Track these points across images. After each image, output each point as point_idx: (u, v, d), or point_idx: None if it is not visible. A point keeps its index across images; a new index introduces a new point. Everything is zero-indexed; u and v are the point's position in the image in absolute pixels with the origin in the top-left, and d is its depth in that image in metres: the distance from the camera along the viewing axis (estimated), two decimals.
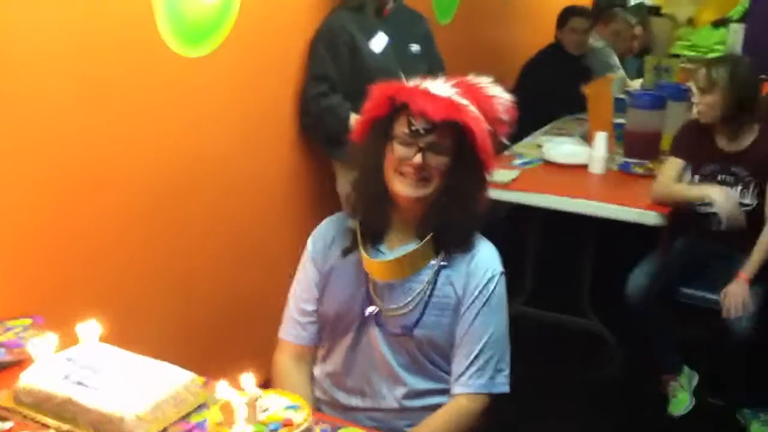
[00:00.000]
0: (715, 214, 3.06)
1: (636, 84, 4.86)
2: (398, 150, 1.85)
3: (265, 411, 1.55)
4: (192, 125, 2.67)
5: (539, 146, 3.90)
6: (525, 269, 3.87)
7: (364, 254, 1.92)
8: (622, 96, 4.19)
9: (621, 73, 4.94)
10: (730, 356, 3.02)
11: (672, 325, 3.22)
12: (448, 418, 1.87)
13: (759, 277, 2.96)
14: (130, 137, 2.44)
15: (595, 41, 5.08)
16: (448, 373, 1.92)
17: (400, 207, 1.90)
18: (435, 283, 1.90)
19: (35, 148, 2.15)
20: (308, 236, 2.04)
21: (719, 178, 3.12)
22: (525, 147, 4.00)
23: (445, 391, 1.93)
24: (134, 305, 2.46)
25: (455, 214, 1.87)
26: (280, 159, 3.14)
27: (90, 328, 1.79)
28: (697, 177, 3.18)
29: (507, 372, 1.92)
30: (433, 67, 3.42)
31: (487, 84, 1.89)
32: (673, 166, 3.21)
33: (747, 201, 3.06)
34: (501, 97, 1.89)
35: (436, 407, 1.92)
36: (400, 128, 1.85)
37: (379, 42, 3.21)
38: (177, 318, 2.67)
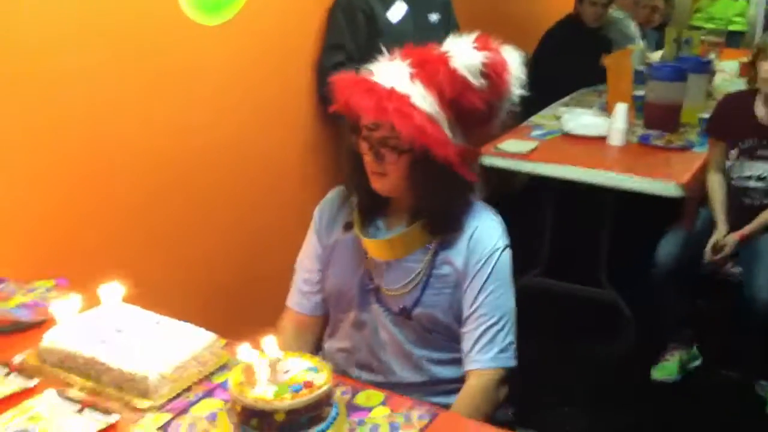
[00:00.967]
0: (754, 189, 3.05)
1: (656, 56, 4.81)
2: (360, 146, 1.84)
3: (286, 372, 1.56)
4: (209, 94, 2.67)
5: (558, 118, 3.89)
6: (541, 240, 3.87)
7: (358, 233, 1.92)
8: (641, 68, 4.17)
9: (641, 44, 4.89)
10: (749, 329, 3.01)
11: (691, 297, 3.21)
12: (463, 400, 1.85)
13: None
14: (149, 106, 2.45)
15: (615, 11, 5.03)
16: (458, 342, 1.92)
17: None
18: (433, 263, 1.89)
19: (59, 118, 2.17)
20: None
21: (758, 153, 3.06)
22: (543, 118, 3.99)
23: (455, 360, 1.93)
24: (156, 268, 2.48)
25: (434, 201, 1.84)
26: (297, 128, 3.14)
27: (113, 290, 1.81)
28: (734, 152, 3.13)
29: (514, 345, 1.90)
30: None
31: (454, 52, 1.78)
32: (715, 150, 3.18)
33: None
34: (468, 64, 1.76)
35: (449, 380, 1.93)
36: (362, 122, 1.82)
37: (397, 11, 3.20)
38: (198, 280, 2.70)
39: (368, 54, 3.12)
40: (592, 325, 3.68)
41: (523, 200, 3.87)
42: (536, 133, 3.69)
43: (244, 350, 1.52)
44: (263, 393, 1.49)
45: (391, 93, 1.72)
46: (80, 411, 1.54)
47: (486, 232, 1.89)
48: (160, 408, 1.57)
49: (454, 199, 1.87)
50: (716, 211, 3.10)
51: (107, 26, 2.27)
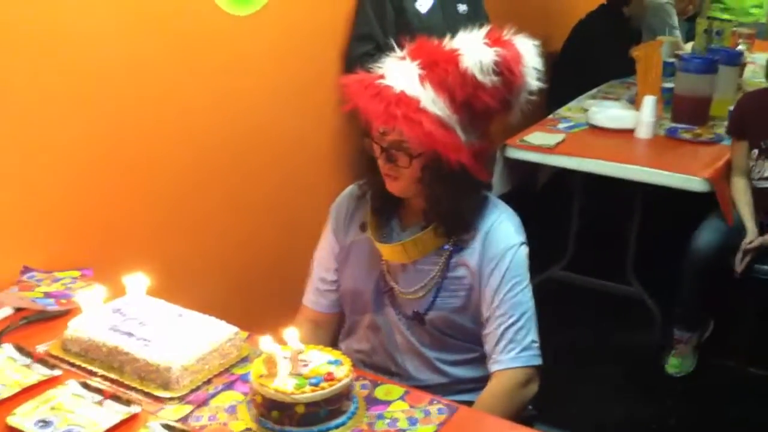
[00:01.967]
0: None
1: (687, 48, 4.76)
2: (373, 148, 1.81)
3: (307, 365, 1.56)
4: (240, 83, 2.68)
5: (585, 110, 3.85)
6: (566, 234, 3.85)
7: (371, 236, 1.90)
8: (671, 60, 4.11)
9: (677, 34, 4.84)
10: None
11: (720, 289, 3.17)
12: (486, 400, 1.82)
13: None
14: (178, 95, 2.46)
15: None
16: (475, 343, 1.90)
17: None
18: (447, 266, 1.87)
19: (90, 108, 2.18)
20: None
21: None
22: (570, 111, 3.95)
23: (473, 360, 1.92)
24: (179, 260, 2.49)
25: (447, 204, 1.80)
26: (327, 116, 3.13)
27: (137, 280, 1.82)
28: (755, 152, 3.09)
29: (538, 344, 1.86)
30: (480, 27, 3.38)
31: (464, 50, 1.72)
32: (738, 152, 3.14)
33: None
34: (479, 62, 1.70)
35: (468, 380, 1.92)
36: (373, 126, 1.79)
37: (425, 2, 3.18)
38: (221, 273, 2.71)
39: (398, 45, 3.14)
40: (617, 320, 3.65)
41: (548, 193, 3.84)
42: (563, 125, 3.66)
43: (266, 342, 1.53)
44: (284, 385, 1.49)
45: (400, 98, 1.68)
46: (102, 402, 1.55)
47: (500, 230, 1.85)
48: (181, 399, 1.58)
49: (468, 200, 1.84)
50: (744, 216, 3.06)
51: (146, 17, 2.29)
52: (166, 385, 1.59)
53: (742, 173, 3.12)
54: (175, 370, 1.59)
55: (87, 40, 2.15)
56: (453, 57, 1.72)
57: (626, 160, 3.23)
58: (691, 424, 3.03)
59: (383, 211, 1.92)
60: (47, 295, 1.97)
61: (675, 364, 3.25)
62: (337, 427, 1.52)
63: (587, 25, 4.88)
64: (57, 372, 1.64)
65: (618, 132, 3.55)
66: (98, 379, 1.63)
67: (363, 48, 3.12)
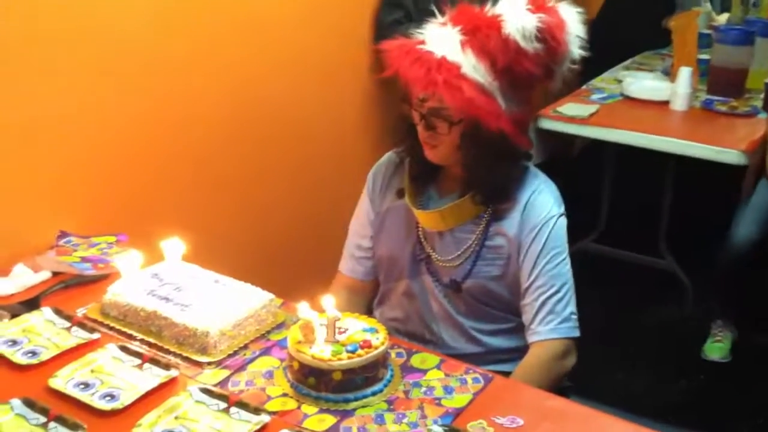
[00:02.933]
0: None
1: (722, 19, 4.67)
2: (412, 115, 1.80)
3: (343, 332, 1.57)
4: (269, 47, 2.68)
5: (619, 81, 3.80)
6: (599, 206, 3.82)
7: (409, 202, 1.89)
8: (707, 31, 4.05)
9: (708, 6, 4.75)
10: None
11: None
12: (524, 371, 1.81)
13: None
14: (213, 69, 2.47)
15: None
16: (511, 313, 1.90)
17: None
18: (485, 235, 1.85)
19: (122, 74, 2.19)
20: None
21: None
22: (604, 81, 3.90)
23: (509, 330, 1.92)
24: (213, 227, 2.51)
25: (486, 173, 1.79)
26: (356, 81, 3.13)
27: (174, 246, 1.83)
28: None
29: (576, 316, 1.85)
30: None
31: (507, 16, 1.69)
32: None
33: None
34: (522, 28, 1.68)
35: (504, 350, 1.92)
36: (413, 92, 1.77)
37: None
38: (254, 240, 2.72)
39: (427, 13, 3.12)
40: (649, 294, 3.63)
41: (581, 164, 3.81)
42: (596, 96, 3.61)
43: (303, 309, 1.53)
44: (321, 352, 1.50)
45: (441, 63, 1.66)
46: (141, 365, 1.57)
47: (540, 200, 1.83)
48: (218, 364, 1.60)
49: (507, 169, 1.82)
50: None
51: None
52: (203, 350, 1.61)
53: None
54: (213, 335, 1.60)
55: (115, 9, 2.15)
56: (495, 23, 1.69)
57: (661, 131, 3.18)
58: (724, 400, 3.01)
59: (421, 178, 1.91)
60: (84, 259, 1.99)
61: (714, 350, 3.20)
62: (373, 394, 1.52)
63: None
64: (96, 335, 1.66)
65: (653, 103, 3.50)
66: (137, 342, 1.65)
67: (393, 15, 3.10)
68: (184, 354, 1.61)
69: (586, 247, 3.74)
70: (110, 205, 2.21)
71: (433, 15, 3.12)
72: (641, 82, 3.68)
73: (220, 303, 1.68)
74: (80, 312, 1.77)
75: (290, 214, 2.87)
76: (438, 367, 1.63)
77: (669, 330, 3.41)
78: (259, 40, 2.63)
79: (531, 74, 1.72)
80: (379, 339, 1.56)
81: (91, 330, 1.68)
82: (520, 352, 1.86)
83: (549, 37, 1.70)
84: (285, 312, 1.78)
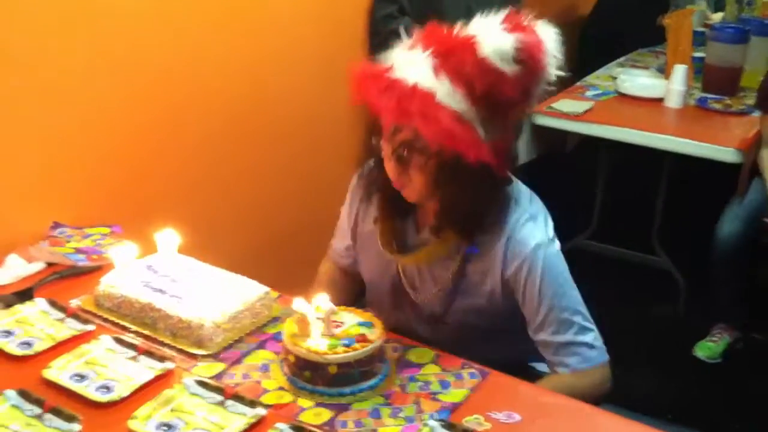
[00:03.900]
0: None
1: (717, 17, 4.68)
2: (383, 148, 1.65)
3: (339, 326, 1.56)
4: (267, 44, 2.66)
5: (613, 78, 3.81)
6: (592, 203, 3.82)
7: (381, 245, 1.77)
8: (701, 29, 4.05)
9: (703, 4, 4.76)
10: None
11: (748, 273, 3.14)
12: (557, 386, 1.68)
13: None
14: (209, 57, 2.45)
15: None
16: (502, 325, 1.77)
17: None
18: (464, 270, 1.73)
19: (117, 64, 2.17)
20: None
21: None
22: (598, 78, 3.90)
23: (501, 349, 1.77)
24: (208, 220, 2.50)
25: (462, 207, 1.65)
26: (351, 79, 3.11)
27: (168, 238, 1.82)
28: None
29: (597, 337, 1.74)
30: None
31: (482, 37, 1.54)
32: (766, 124, 3.03)
33: None
34: (499, 50, 1.53)
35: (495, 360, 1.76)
36: (384, 123, 1.62)
37: None
38: (250, 233, 2.71)
39: (422, 8, 3.11)
40: (643, 291, 3.63)
41: (575, 160, 3.81)
42: (591, 93, 3.62)
43: (298, 302, 1.53)
44: (316, 345, 1.49)
45: (414, 91, 1.51)
46: (135, 357, 1.56)
47: (524, 232, 1.68)
48: (214, 357, 1.59)
49: (486, 201, 1.67)
50: None
51: None
52: (198, 343, 1.60)
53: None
54: (208, 327, 1.60)
55: (114, 4, 2.13)
56: (470, 44, 1.53)
57: (655, 129, 3.19)
58: (715, 399, 3.01)
59: (393, 217, 1.79)
60: (78, 250, 1.98)
61: (704, 349, 3.21)
62: (370, 388, 1.52)
63: None
64: (90, 327, 1.65)
65: (647, 101, 3.51)
66: (131, 334, 1.64)
67: (386, 9, 3.08)
68: (179, 346, 1.61)
69: (579, 244, 3.75)
70: (104, 196, 2.19)
71: (427, 9, 3.12)
72: (636, 80, 3.69)
73: (215, 295, 1.68)
74: (74, 303, 1.75)
75: (287, 207, 2.86)
76: (434, 361, 1.63)
77: (663, 328, 3.41)
78: (254, 33, 2.61)
79: (510, 98, 1.57)
80: (375, 333, 1.55)
81: (86, 321, 1.67)
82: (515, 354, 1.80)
83: (528, 58, 1.56)
84: (280, 305, 1.78)
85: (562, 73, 1.64)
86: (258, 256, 2.60)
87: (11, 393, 1.42)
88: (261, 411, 1.42)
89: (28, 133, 1.98)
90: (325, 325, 1.53)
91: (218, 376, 1.54)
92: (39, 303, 1.73)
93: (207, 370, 1.55)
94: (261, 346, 1.65)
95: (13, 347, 1.57)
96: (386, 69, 1.57)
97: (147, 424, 1.38)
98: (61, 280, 1.86)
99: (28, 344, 1.59)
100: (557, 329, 1.70)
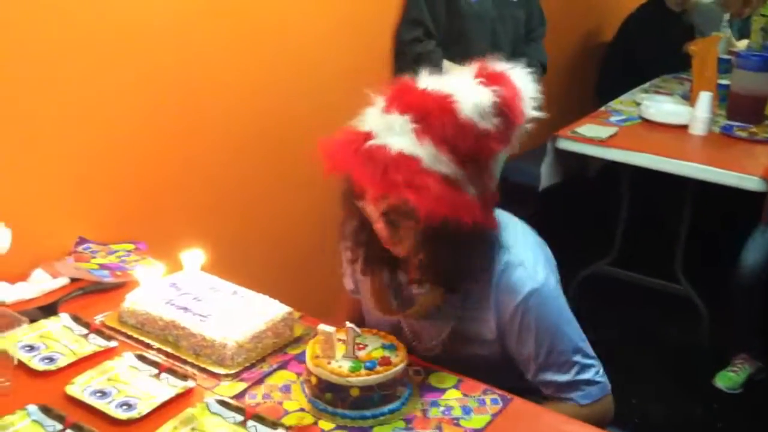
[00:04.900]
0: None
1: (742, 45, 4.67)
2: (367, 211, 1.60)
3: (362, 349, 1.56)
4: (293, 63, 2.68)
5: (637, 104, 3.80)
6: (614, 228, 3.80)
7: (373, 299, 1.77)
8: (726, 56, 4.04)
9: (727, 32, 4.75)
10: None
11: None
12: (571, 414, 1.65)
13: None
14: (233, 74, 2.46)
15: None
16: (507, 371, 1.73)
17: None
18: (460, 320, 1.69)
19: (143, 82, 2.19)
20: None
21: None
22: (622, 104, 3.90)
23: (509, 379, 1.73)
24: (231, 238, 2.51)
25: (450, 264, 1.61)
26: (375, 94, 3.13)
27: (194, 256, 1.82)
28: None
29: (599, 371, 1.72)
30: (531, 15, 3.35)
31: (459, 95, 1.50)
32: None
33: None
34: (477, 107, 1.50)
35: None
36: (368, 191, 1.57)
37: None
38: (273, 253, 2.71)
39: (448, 30, 3.13)
40: (664, 319, 3.61)
41: (597, 186, 3.80)
42: (615, 118, 3.61)
43: (323, 324, 1.52)
44: (339, 367, 1.49)
45: (398, 160, 1.47)
46: (158, 375, 1.56)
47: (512, 280, 1.63)
48: (235, 376, 1.59)
49: (471, 253, 1.62)
50: None
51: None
52: (220, 362, 1.60)
53: None
54: (231, 346, 1.59)
55: (141, 14, 2.15)
56: (448, 105, 1.49)
57: (680, 155, 3.18)
58: (735, 430, 2.98)
59: (382, 270, 1.75)
60: (102, 266, 1.98)
61: (724, 379, 3.18)
62: (390, 412, 1.51)
63: (638, 18, 4.82)
64: (113, 343, 1.66)
65: (671, 127, 3.50)
66: (154, 352, 1.64)
67: (412, 33, 3.11)
68: (201, 365, 1.60)
69: (600, 269, 3.72)
70: (129, 213, 2.20)
71: (453, 32, 3.13)
72: (660, 106, 3.68)
73: (238, 314, 1.67)
74: (98, 319, 1.76)
75: (312, 227, 2.86)
76: (456, 386, 1.62)
77: (684, 356, 3.38)
78: (281, 54, 2.63)
79: (495, 152, 1.55)
80: (398, 356, 1.55)
81: (109, 338, 1.68)
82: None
83: (507, 110, 1.53)
84: (303, 325, 1.78)
85: (540, 114, 1.61)
86: (281, 275, 2.61)
87: (33, 408, 1.42)
88: None
89: (56, 149, 2.00)
90: (348, 347, 1.53)
91: (239, 396, 1.53)
92: (63, 318, 1.73)
93: (228, 389, 1.55)
94: (283, 366, 1.64)
95: (36, 362, 1.58)
96: (365, 136, 1.53)
97: None
98: (85, 295, 1.87)
99: (51, 359, 1.59)
100: (558, 370, 1.68)
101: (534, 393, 1.75)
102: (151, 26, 2.18)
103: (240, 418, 1.45)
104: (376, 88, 1.60)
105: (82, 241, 2.08)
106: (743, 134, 3.43)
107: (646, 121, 3.58)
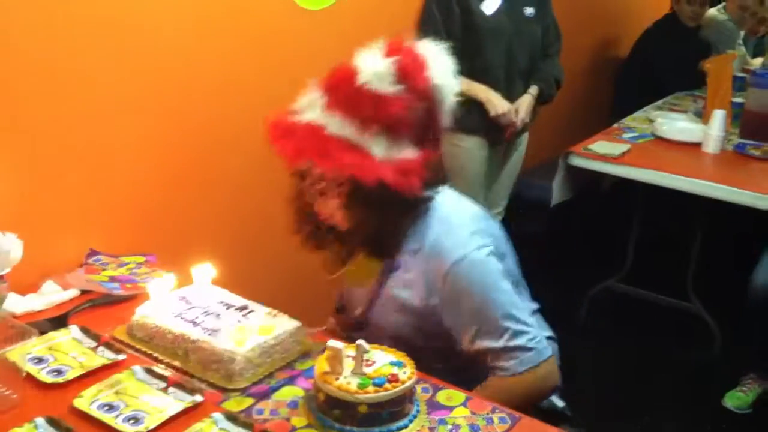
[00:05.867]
0: None
1: (756, 63, 4.66)
2: (303, 188, 1.77)
3: (371, 365, 1.55)
4: (308, 77, 2.67)
5: (650, 121, 3.79)
6: (626, 245, 3.78)
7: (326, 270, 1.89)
8: (741, 74, 4.03)
9: (742, 50, 4.74)
10: None
11: None
12: (495, 392, 1.73)
13: None
14: (249, 88, 2.47)
15: (719, 14, 4.90)
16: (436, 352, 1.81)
17: None
18: (382, 287, 1.82)
19: (154, 97, 2.20)
20: None
21: None
22: (635, 121, 3.89)
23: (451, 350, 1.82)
24: (240, 252, 2.50)
25: (373, 229, 1.74)
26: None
27: (204, 270, 1.82)
28: None
29: (538, 336, 1.76)
30: (547, 31, 3.35)
31: (361, 65, 1.65)
32: None
33: None
34: (376, 74, 1.63)
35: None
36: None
37: (491, 4, 3.16)
38: (285, 267, 2.70)
39: (464, 45, 3.13)
40: (675, 336, 3.59)
41: (609, 202, 3.79)
42: (628, 135, 3.60)
43: (332, 339, 1.52)
44: (347, 384, 1.48)
45: (307, 129, 1.65)
46: (166, 389, 1.56)
47: (446, 244, 1.74)
48: (243, 391, 1.58)
49: (397, 220, 1.75)
50: None
51: (219, 14, 2.33)
52: (229, 376, 1.59)
53: None
54: (239, 361, 1.59)
55: (158, 35, 2.17)
56: (350, 75, 1.65)
57: (693, 173, 3.16)
58: None
59: (325, 244, 1.88)
60: (113, 279, 1.99)
61: (733, 399, 3.15)
62: (398, 429, 1.50)
63: (653, 35, 4.81)
64: (122, 357, 1.66)
65: (685, 145, 3.49)
66: (162, 365, 1.64)
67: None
68: (210, 379, 1.60)
69: (611, 286, 3.71)
70: (140, 226, 2.21)
71: (471, 46, 3.11)
72: (673, 123, 3.67)
73: (247, 329, 1.67)
74: (107, 332, 1.76)
75: None
76: (464, 404, 1.61)
77: (694, 375, 3.36)
78: (299, 68, 2.62)
79: (400, 117, 1.64)
80: (407, 373, 1.54)
81: (117, 351, 1.68)
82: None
83: (407, 77, 1.64)
84: (312, 340, 1.77)
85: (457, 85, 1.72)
86: (291, 289, 2.60)
87: (41, 421, 1.42)
88: None
89: (68, 161, 2.01)
90: (356, 362, 1.52)
91: (247, 411, 1.53)
92: (72, 330, 1.74)
93: (236, 404, 1.54)
94: (291, 381, 1.64)
95: (44, 375, 1.58)
96: (289, 114, 1.70)
97: None
98: (95, 308, 1.87)
99: (60, 372, 1.59)
100: (490, 337, 1.74)
101: (462, 373, 1.78)
102: (167, 42, 2.19)
103: None
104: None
105: (93, 253, 2.09)
106: (757, 153, 3.41)
107: (659, 139, 3.57)
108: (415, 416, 1.54)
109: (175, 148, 2.28)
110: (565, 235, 3.93)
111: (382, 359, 1.58)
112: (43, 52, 1.90)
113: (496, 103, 3.16)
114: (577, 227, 3.91)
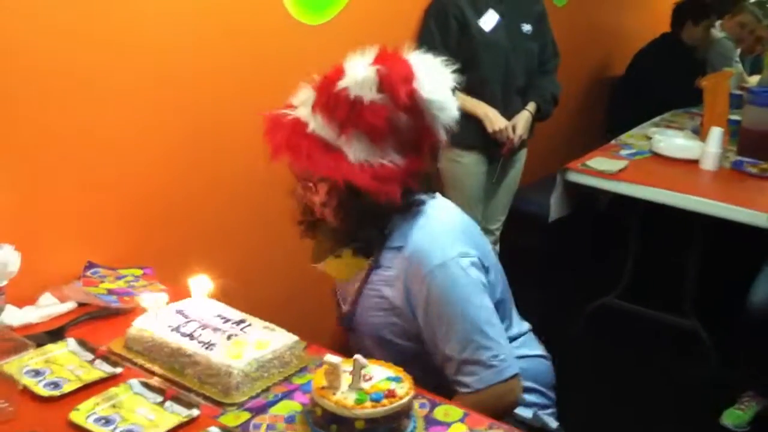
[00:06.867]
0: None
1: (753, 80, 4.68)
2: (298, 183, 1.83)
3: (368, 380, 1.55)
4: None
5: (648, 138, 3.81)
6: (624, 261, 3.79)
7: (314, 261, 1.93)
8: (738, 92, 4.05)
9: (739, 67, 4.77)
10: None
11: None
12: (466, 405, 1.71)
13: None
14: (249, 103, 2.47)
15: (717, 32, 4.93)
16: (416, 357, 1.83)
17: None
18: (365, 284, 1.86)
19: (154, 109, 2.20)
20: None
21: None
22: (633, 137, 3.91)
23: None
24: (238, 266, 2.50)
25: (352, 227, 1.80)
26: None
27: (201, 283, 1.82)
28: None
29: (502, 355, 1.76)
30: (545, 47, 3.36)
31: (348, 71, 1.69)
32: None
33: None
34: (359, 81, 1.67)
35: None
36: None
37: (489, 20, 3.18)
38: (283, 281, 2.71)
39: (461, 60, 3.12)
40: (672, 354, 3.59)
41: (607, 218, 3.80)
42: (625, 152, 3.62)
43: (329, 355, 1.52)
44: (345, 399, 1.48)
45: (291, 125, 1.72)
46: (162, 403, 1.55)
47: (426, 248, 1.77)
48: (240, 406, 1.58)
49: (375, 222, 1.80)
50: None
51: (221, 27, 2.34)
52: (225, 391, 1.59)
53: None
54: (236, 375, 1.58)
55: (162, 47, 2.18)
56: (335, 78, 1.69)
57: (690, 190, 3.17)
58: None
59: (314, 235, 1.97)
60: (110, 292, 1.98)
61: (731, 417, 3.14)
62: None
63: (649, 53, 4.85)
64: (119, 370, 1.65)
65: (682, 162, 3.50)
66: (159, 379, 1.63)
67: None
68: (206, 393, 1.59)
69: (608, 302, 3.71)
70: (138, 238, 2.21)
71: (468, 62, 3.13)
72: (671, 140, 3.68)
73: (244, 343, 1.67)
74: (104, 345, 1.75)
75: None
76: (462, 420, 1.60)
77: (690, 392, 3.35)
78: (293, 82, 2.64)
79: (377, 125, 1.67)
80: (404, 389, 1.53)
81: (114, 364, 1.67)
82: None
83: (390, 86, 1.66)
84: (309, 355, 1.77)
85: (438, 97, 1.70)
86: (289, 303, 2.60)
87: None
88: None
89: (66, 173, 2.01)
90: (354, 377, 1.52)
91: (243, 426, 1.52)
92: (69, 343, 1.73)
93: (233, 419, 1.54)
94: (288, 396, 1.63)
95: (41, 387, 1.57)
96: (286, 108, 1.77)
97: None
98: (92, 320, 1.86)
99: (56, 385, 1.59)
100: (453, 346, 1.76)
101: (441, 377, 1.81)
102: (168, 53, 2.20)
103: None
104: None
105: (90, 265, 2.09)
106: (754, 170, 3.42)
107: (657, 155, 3.59)
108: None
109: (173, 162, 2.28)
110: (563, 251, 3.94)
111: (380, 374, 1.58)
112: (42, 65, 1.90)
113: (493, 119, 3.17)
114: (575, 243, 3.91)
